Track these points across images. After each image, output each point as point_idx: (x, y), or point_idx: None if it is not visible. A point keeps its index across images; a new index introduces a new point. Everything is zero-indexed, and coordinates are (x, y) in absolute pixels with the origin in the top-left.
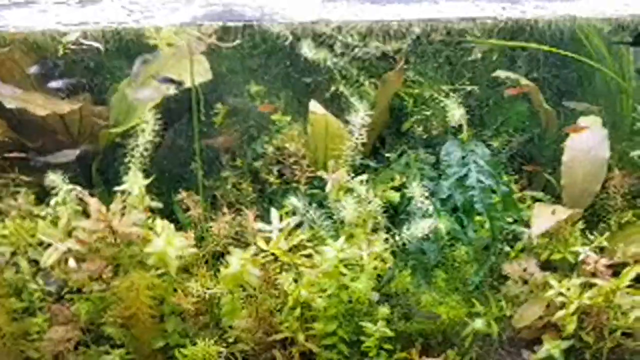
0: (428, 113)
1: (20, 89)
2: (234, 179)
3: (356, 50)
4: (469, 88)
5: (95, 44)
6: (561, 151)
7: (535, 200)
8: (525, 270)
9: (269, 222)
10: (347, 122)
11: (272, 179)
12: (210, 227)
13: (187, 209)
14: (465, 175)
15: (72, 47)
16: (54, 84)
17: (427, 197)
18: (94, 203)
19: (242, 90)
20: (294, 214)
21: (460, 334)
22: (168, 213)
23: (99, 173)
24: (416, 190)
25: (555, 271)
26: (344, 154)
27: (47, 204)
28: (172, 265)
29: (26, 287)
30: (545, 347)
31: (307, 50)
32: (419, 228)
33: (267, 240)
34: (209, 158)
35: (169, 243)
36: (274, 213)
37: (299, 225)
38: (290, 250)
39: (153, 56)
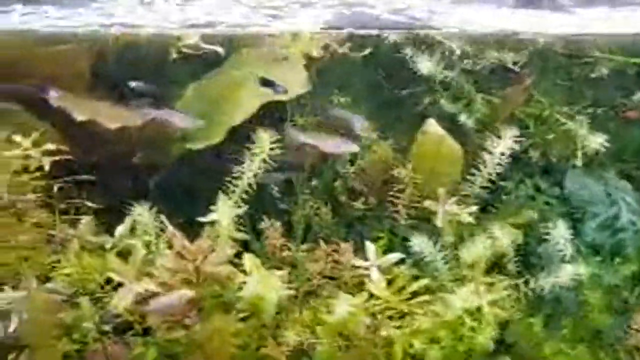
0: (549, 137)
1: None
2: (312, 202)
3: (467, 61)
4: (594, 110)
5: (216, 48)
6: None
7: None
8: None
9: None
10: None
11: (358, 204)
12: (302, 261)
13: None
14: (616, 216)
15: (187, 50)
16: (137, 86)
17: (567, 240)
18: (178, 238)
19: (326, 101)
20: (388, 247)
21: None
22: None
23: (158, 191)
24: (558, 231)
25: None
26: (455, 182)
27: (111, 234)
28: (268, 310)
29: (79, 327)
30: None
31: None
32: (559, 274)
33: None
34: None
35: (266, 285)
36: (371, 247)
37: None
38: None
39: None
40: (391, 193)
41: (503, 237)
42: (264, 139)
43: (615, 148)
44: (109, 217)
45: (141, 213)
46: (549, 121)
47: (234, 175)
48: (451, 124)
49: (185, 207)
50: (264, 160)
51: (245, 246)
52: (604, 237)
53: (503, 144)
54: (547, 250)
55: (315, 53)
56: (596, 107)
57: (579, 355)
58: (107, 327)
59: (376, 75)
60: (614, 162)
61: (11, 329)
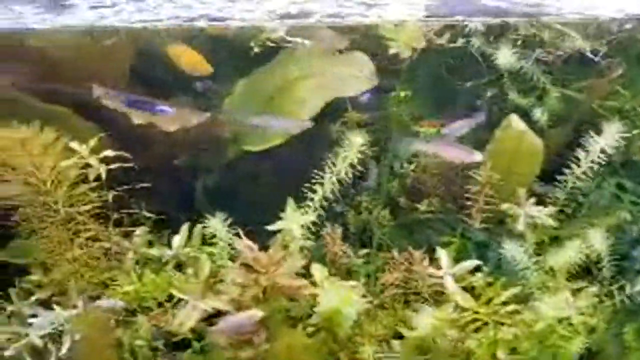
0: (630, 133)
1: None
2: (367, 204)
3: (542, 49)
4: None
5: (303, 40)
6: None
7: None
8: None
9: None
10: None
11: (422, 207)
12: (376, 272)
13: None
14: None
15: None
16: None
17: None
18: (250, 250)
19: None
20: (460, 253)
21: None
22: None
23: (207, 196)
24: None
25: None
26: (531, 180)
27: (168, 245)
28: (345, 324)
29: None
30: None
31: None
32: None
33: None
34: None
35: (342, 298)
36: (443, 254)
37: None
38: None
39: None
40: (464, 194)
41: (595, 240)
42: (356, 142)
43: None
44: (165, 226)
45: (216, 226)
46: (629, 115)
47: (313, 179)
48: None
49: (247, 214)
50: (352, 165)
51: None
52: None
53: (604, 140)
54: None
55: (420, 44)
56: None
57: None
58: (160, 345)
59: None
60: None
61: (63, 352)
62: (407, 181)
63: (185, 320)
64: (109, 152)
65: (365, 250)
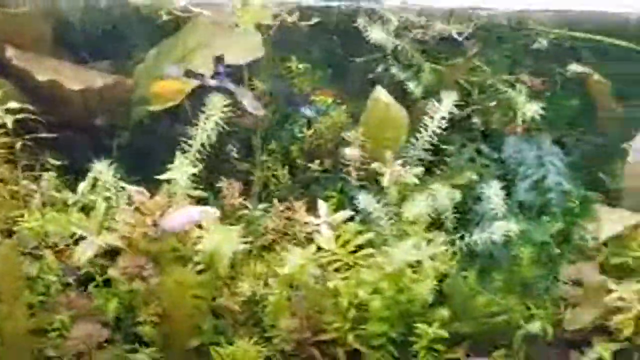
0: (490, 104)
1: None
2: (269, 164)
3: (416, 31)
4: (533, 79)
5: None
6: (621, 152)
7: (593, 202)
8: (583, 273)
9: (312, 213)
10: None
11: (314, 166)
12: (257, 219)
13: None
14: (543, 177)
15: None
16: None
17: (500, 198)
18: (139, 195)
19: (282, 69)
20: (338, 205)
21: (511, 335)
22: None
23: (120, 151)
24: (491, 190)
25: (612, 276)
26: (401, 145)
27: (73, 190)
28: (223, 263)
29: (42, 278)
30: (595, 349)
31: (368, 27)
32: (492, 230)
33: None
34: (241, 139)
35: (224, 239)
36: (322, 205)
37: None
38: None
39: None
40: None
41: (441, 196)
42: (217, 102)
43: (552, 116)
44: (72, 175)
45: (102, 171)
46: (490, 90)
47: (189, 136)
48: (401, 91)
49: (146, 168)
50: (217, 123)
51: (205, 205)
52: (533, 196)
53: (443, 108)
54: (482, 208)
55: (267, 22)
56: (535, 76)
57: (510, 305)
58: (70, 280)
59: (331, 44)
60: (551, 129)
61: None
62: (305, 145)
63: (82, 254)
64: (14, 104)
65: (264, 205)
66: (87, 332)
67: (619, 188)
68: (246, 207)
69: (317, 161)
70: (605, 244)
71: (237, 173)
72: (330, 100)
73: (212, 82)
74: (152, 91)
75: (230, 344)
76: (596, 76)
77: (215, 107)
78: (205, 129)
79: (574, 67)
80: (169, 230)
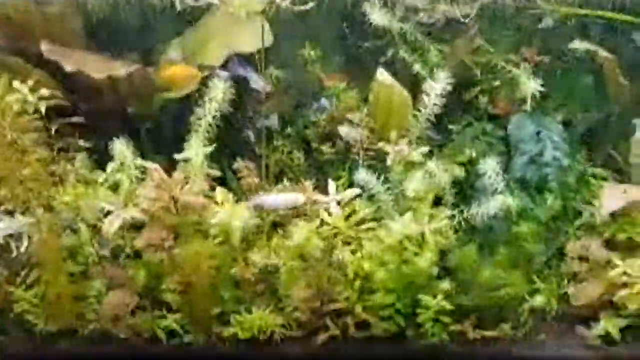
0: (496, 83)
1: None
2: (286, 147)
3: (422, 14)
4: (539, 58)
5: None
6: (630, 129)
7: (600, 178)
8: (588, 248)
9: (324, 193)
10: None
11: (325, 148)
12: None
13: (240, 177)
14: (540, 152)
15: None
16: None
17: (498, 174)
18: (156, 171)
19: (294, 55)
20: (350, 185)
21: (517, 309)
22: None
23: (149, 139)
24: (489, 166)
25: (617, 251)
26: (406, 125)
27: (104, 170)
28: (235, 236)
29: (82, 250)
30: (602, 324)
31: (372, 12)
32: (490, 205)
33: (327, 211)
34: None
35: (234, 214)
36: (331, 184)
37: (356, 197)
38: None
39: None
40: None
41: (441, 172)
42: (218, 84)
43: (557, 94)
44: (103, 157)
45: (122, 150)
46: (496, 70)
47: (198, 118)
48: (408, 74)
49: (169, 149)
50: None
51: (225, 185)
52: (531, 172)
53: (438, 85)
54: (482, 184)
55: (259, 7)
56: (542, 55)
57: (514, 280)
58: (104, 252)
59: (339, 30)
60: (557, 107)
61: (23, 249)
62: (319, 129)
63: (110, 226)
64: (45, 91)
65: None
66: (120, 298)
67: (628, 164)
68: (262, 187)
69: (329, 143)
70: (612, 219)
71: (255, 157)
72: (342, 85)
73: (222, 71)
74: (162, 76)
75: (250, 312)
76: (604, 53)
77: (218, 89)
78: (210, 111)
79: (578, 44)
80: (268, 208)
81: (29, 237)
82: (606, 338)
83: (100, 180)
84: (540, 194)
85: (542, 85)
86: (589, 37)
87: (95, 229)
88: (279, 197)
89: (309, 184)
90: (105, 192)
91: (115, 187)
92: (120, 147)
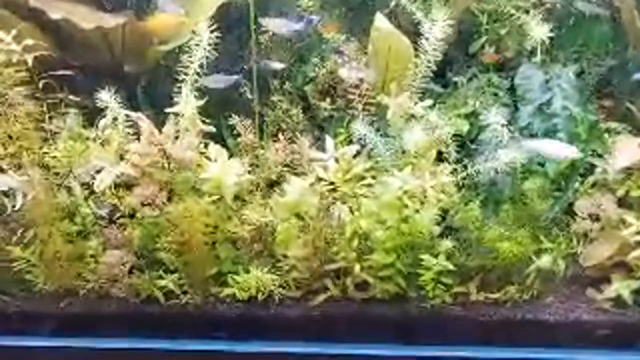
0: (503, 32)
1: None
2: (284, 104)
3: None
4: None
5: None
6: None
7: (614, 131)
8: (599, 206)
9: (322, 150)
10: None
11: (324, 104)
12: (264, 154)
13: (238, 135)
14: (549, 101)
15: None
16: None
17: (503, 125)
18: (146, 126)
19: (291, 5)
20: (349, 142)
21: (523, 271)
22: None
23: (145, 95)
24: (492, 117)
25: (631, 209)
26: (407, 76)
27: (96, 126)
28: (228, 192)
29: (79, 211)
30: (613, 286)
31: None
32: (493, 159)
33: (325, 169)
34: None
35: (226, 169)
36: (329, 141)
37: (356, 155)
38: (350, 179)
39: None
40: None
41: (441, 125)
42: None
43: (570, 42)
44: (93, 114)
45: (108, 101)
46: (503, 17)
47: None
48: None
49: (163, 105)
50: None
51: (223, 143)
52: (538, 122)
53: (436, 29)
54: (486, 137)
55: None
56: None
57: (521, 239)
58: (102, 213)
59: None
60: (569, 54)
61: (17, 207)
62: (319, 85)
63: (101, 182)
64: (30, 41)
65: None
66: (116, 258)
67: None
68: (260, 145)
69: (329, 99)
70: (626, 175)
71: (252, 113)
72: (341, 37)
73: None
74: (150, 25)
75: (247, 272)
76: None
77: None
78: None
79: None
80: None
81: (24, 195)
82: (618, 301)
83: (92, 136)
84: None
85: (552, 32)
86: None
87: (88, 188)
88: None
89: (304, 140)
90: (98, 149)
91: (107, 144)
92: (107, 99)
